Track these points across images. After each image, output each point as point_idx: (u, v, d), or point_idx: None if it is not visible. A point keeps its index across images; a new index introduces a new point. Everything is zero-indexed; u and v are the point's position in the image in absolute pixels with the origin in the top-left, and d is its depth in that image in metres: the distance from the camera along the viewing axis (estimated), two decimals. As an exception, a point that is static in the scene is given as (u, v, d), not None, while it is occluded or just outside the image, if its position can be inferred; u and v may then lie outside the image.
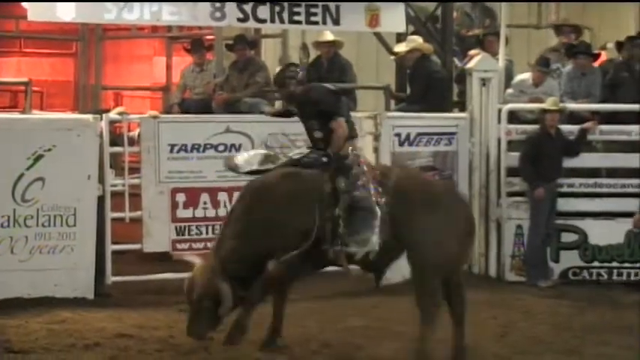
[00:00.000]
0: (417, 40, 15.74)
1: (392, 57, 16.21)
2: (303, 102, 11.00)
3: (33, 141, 13.22)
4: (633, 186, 14.95)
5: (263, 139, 14.16)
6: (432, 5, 16.36)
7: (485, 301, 13.41)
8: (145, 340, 11.60)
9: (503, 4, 15.88)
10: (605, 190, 14.77)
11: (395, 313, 12.09)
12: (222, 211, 13.94)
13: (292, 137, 14.18)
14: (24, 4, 13.87)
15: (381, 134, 14.73)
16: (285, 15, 14.76)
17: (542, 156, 14.65)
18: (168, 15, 14.49)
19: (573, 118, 15.11)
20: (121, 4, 14.05)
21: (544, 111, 14.81)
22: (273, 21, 14.86)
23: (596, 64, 15.94)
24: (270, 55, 16.55)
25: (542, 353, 11.15)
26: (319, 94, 10.98)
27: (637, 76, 15.51)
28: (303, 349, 11.08)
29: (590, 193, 14.81)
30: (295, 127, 14.29)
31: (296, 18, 14.85)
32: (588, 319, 12.78)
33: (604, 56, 16.39)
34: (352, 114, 14.78)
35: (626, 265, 14.58)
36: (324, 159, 10.67)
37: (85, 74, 17.75)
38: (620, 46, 16.24)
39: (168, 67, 17.50)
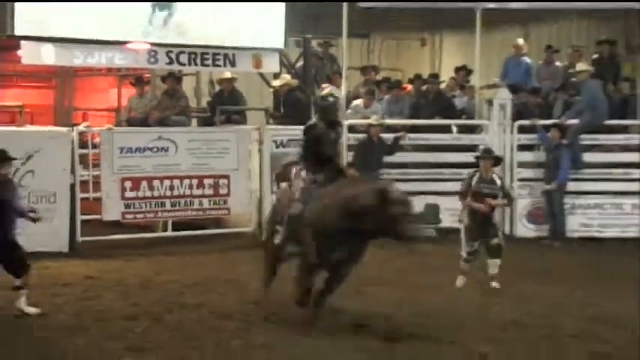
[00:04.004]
0: (287, 77, 15.79)
1: (270, 89, 16.26)
2: None
3: (26, 145, 13.10)
4: (429, 174, 15.21)
5: (185, 145, 14.12)
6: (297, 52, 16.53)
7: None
8: (104, 280, 11.62)
9: (345, 51, 16.00)
10: (412, 177, 14.95)
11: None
12: (156, 193, 13.94)
13: (210, 144, 14.27)
14: (19, 51, 13.70)
15: (264, 141, 14.76)
16: (198, 60, 14.72)
17: (368, 155, 14.72)
18: (118, 60, 14.38)
19: (390, 129, 15.28)
20: (86, 52, 13.90)
21: (370, 125, 14.96)
22: (190, 64, 14.82)
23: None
24: (188, 87, 16.48)
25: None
26: None
27: (432, 102, 15.76)
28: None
29: (402, 179, 14.92)
30: (210, 135, 14.43)
31: (206, 62, 14.81)
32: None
33: (408, 88, 16.60)
34: (243, 127, 15.06)
35: (424, 226, 14.70)
36: None
37: (62, 100, 17.61)
38: (411, 81, 16.53)
39: (119, 95, 17.37)
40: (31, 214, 10.02)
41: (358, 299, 10.10)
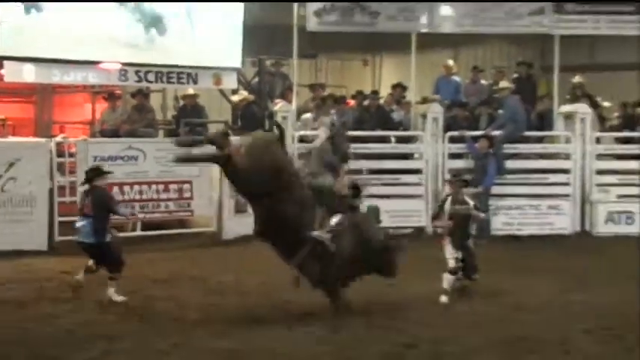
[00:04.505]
0: (245, 93, 15.78)
1: (229, 103, 16.23)
2: None
3: (9, 154, 13.07)
4: (371, 179, 15.15)
5: (153, 154, 14.03)
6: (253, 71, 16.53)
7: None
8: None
9: (295, 70, 16.02)
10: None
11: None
12: (126, 197, 13.84)
13: (173, 153, 14.05)
14: (2, 70, 13.61)
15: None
16: (164, 78, 14.75)
17: (319, 163, 14.70)
18: (92, 78, 14.39)
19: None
20: (63, 71, 13.88)
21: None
22: (157, 82, 14.86)
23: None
24: (155, 102, 16.41)
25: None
26: None
27: (373, 115, 15.81)
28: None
29: None
30: (173, 145, 14.26)
31: (171, 80, 14.84)
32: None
33: (351, 103, 16.62)
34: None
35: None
36: None
37: (42, 114, 17.40)
38: (354, 97, 16.54)
39: (93, 110, 17.18)
40: (125, 212, 10.71)
41: (308, 291, 10.10)
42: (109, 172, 10.88)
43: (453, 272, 10.36)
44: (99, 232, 10.11)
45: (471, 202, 10.64)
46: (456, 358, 8.19)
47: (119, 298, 10.04)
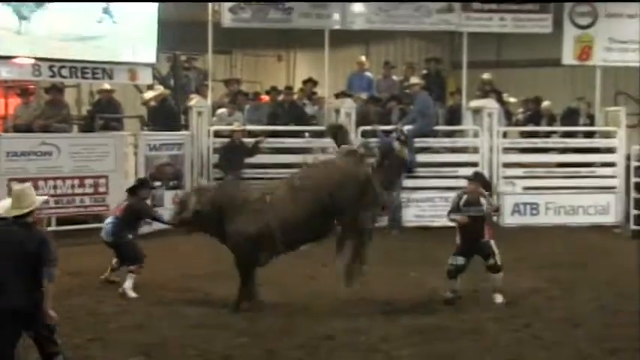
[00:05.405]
0: (161, 88, 15.57)
1: (141, 101, 15.93)
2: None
3: None
4: (285, 173, 14.84)
5: (67, 149, 13.71)
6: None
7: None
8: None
9: (210, 66, 15.88)
10: (270, 176, 14.48)
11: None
12: (41, 192, 13.39)
13: (90, 149, 13.95)
14: None
15: (139, 144, 14.49)
16: (79, 73, 14.42)
17: (232, 157, 14.58)
18: (5, 73, 14.04)
19: (251, 134, 15.18)
20: (-25, 65, 13.54)
21: (233, 131, 14.83)
22: (71, 77, 14.51)
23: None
24: (70, 97, 16.05)
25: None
26: None
27: (287, 111, 15.75)
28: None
29: (261, 178, 14.62)
30: (89, 140, 14.09)
31: (86, 75, 14.52)
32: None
33: (266, 98, 16.54)
34: (120, 133, 14.76)
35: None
36: None
37: (-47, 110, 16.90)
38: (268, 92, 16.44)
39: (6, 105, 16.68)
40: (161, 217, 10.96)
41: (226, 283, 10.00)
42: (155, 187, 11.94)
43: (449, 276, 9.98)
44: (117, 234, 10.51)
45: (485, 203, 9.93)
46: (371, 347, 8.19)
47: (132, 294, 10.06)
